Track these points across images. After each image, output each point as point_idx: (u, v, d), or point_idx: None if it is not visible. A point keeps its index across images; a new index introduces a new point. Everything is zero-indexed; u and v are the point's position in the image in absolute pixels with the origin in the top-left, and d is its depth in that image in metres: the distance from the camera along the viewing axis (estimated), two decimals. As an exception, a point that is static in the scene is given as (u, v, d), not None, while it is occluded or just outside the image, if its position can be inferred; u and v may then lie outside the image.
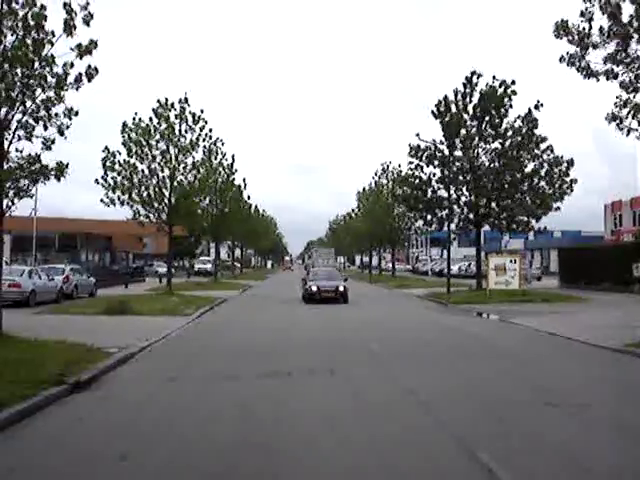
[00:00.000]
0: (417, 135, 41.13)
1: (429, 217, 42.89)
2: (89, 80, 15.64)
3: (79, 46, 15.14)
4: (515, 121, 39.25)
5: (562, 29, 17.77)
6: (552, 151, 39.10)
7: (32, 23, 14.74)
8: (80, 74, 15.44)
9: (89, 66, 15.51)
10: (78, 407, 10.14)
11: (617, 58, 17.08)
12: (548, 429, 8.79)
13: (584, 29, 17.37)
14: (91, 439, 8.35)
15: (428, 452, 7.72)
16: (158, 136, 36.77)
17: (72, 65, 15.21)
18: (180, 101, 37.67)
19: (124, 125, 36.06)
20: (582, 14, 17.31)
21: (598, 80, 17.60)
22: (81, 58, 15.28)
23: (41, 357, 12.87)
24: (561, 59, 18.06)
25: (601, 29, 17.03)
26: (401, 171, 44.25)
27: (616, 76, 17.27)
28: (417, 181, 42.04)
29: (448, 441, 8.18)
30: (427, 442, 8.16)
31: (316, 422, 9.17)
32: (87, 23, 15.28)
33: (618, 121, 17.74)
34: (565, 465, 7.27)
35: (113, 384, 12.09)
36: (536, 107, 38.93)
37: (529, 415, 9.67)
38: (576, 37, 17.50)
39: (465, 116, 39.87)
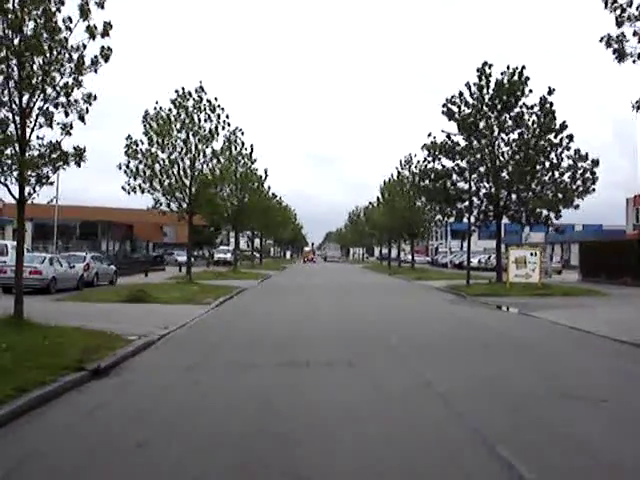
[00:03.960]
0: (429, 135, 41.15)
1: (448, 209, 42.76)
2: (106, 60, 15.71)
3: (88, 28, 15.24)
4: (532, 107, 38.98)
5: None
6: (571, 139, 38.76)
7: (53, 9, 14.85)
8: (96, 56, 15.52)
9: (103, 47, 15.58)
10: (97, 394, 10.19)
11: None
12: (568, 423, 8.74)
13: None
14: (109, 426, 8.39)
15: (447, 446, 7.68)
16: (178, 125, 36.86)
17: (85, 46, 15.31)
18: (197, 90, 37.64)
19: (145, 114, 36.19)
20: None
21: (635, 62, 17.18)
22: (94, 39, 15.37)
23: (61, 344, 12.96)
24: (602, 39, 17.65)
25: None
26: (425, 163, 43.94)
27: None
28: (435, 174, 41.93)
29: (466, 434, 8.15)
30: (446, 435, 8.12)
31: (334, 413, 9.16)
32: (101, 5, 15.36)
33: None
34: (585, 459, 7.23)
35: (132, 371, 12.14)
36: (549, 93, 38.69)
37: (548, 409, 9.60)
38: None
39: (484, 108, 39.66)
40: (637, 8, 16.84)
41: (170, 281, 39.18)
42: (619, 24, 17.18)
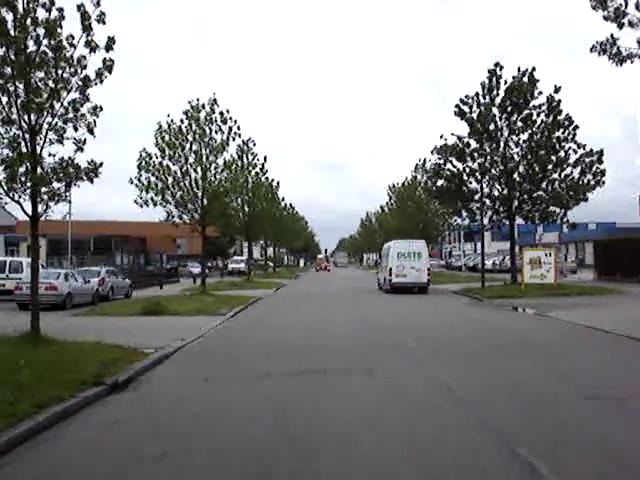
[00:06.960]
0: (441, 137, 41.16)
1: (461, 206, 42.61)
2: (109, 72, 15.73)
3: (88, 43, 15.29)
4: (540, 107, 38.95)
5: (599, 2, 17.49)
6: (576, 128, 38.78)
7: (55, 25, 14.91)
8: (100, 68, 15.56)
9: (104, 59, 15.61)
10: (116, 408, 10.20)
11: None
12: (588, 423, 8.69)
13: (620, 5, 17.07)
14: (129, 439, 8.39)
15: (468, 448, 7.65)
16: (190, 137, 36.92)
17: (85, 58, 15.35)
18: (210, 102, 37.73)
19: (158, 127, 36.26)
20: None
21: (632, 62, 17.24)
22: (95, 52, 15.41)
23: (78, 359, 12.97)
24: (592, 49, 17.70)
25: (637, 5, 16.74)
26: (436, 165, 43.84)
27: None
28: (448, 173, 41.85)
29: (488, 436, 8.10)
30: (467, 438, 8.07)
31: (354, 421, 9.11)
32: (102, 22, 15.40)
33: None
34: (606, 459, 7.16)
35: (150, 384, 12.14)
36: (556, 91, 38.66)
37: (568, 409, 9.54)
38: (612, 13, 17.22)
39: (494, 109, 39.60)
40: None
41: (185, 293, 39.21)
42: (620, 26, 17.31)
